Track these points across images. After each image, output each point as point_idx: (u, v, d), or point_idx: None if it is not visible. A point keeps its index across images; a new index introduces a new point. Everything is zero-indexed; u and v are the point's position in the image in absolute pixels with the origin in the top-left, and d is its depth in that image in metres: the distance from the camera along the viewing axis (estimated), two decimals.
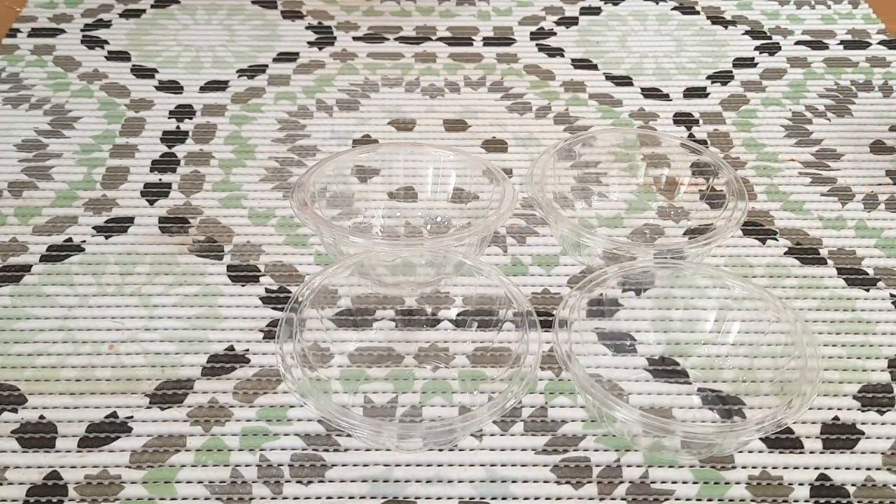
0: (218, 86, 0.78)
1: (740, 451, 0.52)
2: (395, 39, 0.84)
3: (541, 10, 0.88)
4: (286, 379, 0.49)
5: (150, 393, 0.54)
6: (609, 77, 0.80)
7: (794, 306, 0.59)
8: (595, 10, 0.88)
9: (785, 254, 0.64)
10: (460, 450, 0.52)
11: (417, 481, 0.50)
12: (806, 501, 0.50)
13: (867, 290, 0.61)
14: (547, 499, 0.50)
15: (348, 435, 0.52)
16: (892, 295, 0.61)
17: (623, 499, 0.50)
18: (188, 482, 0.50)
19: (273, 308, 0.59)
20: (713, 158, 0.65)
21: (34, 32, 0.84)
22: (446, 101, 0.77)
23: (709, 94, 0.78)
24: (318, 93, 0.77)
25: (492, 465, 0.51)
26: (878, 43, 0.84)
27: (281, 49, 0.82)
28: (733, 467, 0.51)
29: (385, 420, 0.52)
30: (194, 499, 0.49)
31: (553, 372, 0.56)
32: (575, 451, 0.52)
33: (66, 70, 0.79)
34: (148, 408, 0.53)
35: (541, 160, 0.63)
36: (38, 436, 0.52)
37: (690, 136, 0.73)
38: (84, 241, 0.64)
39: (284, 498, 0.50)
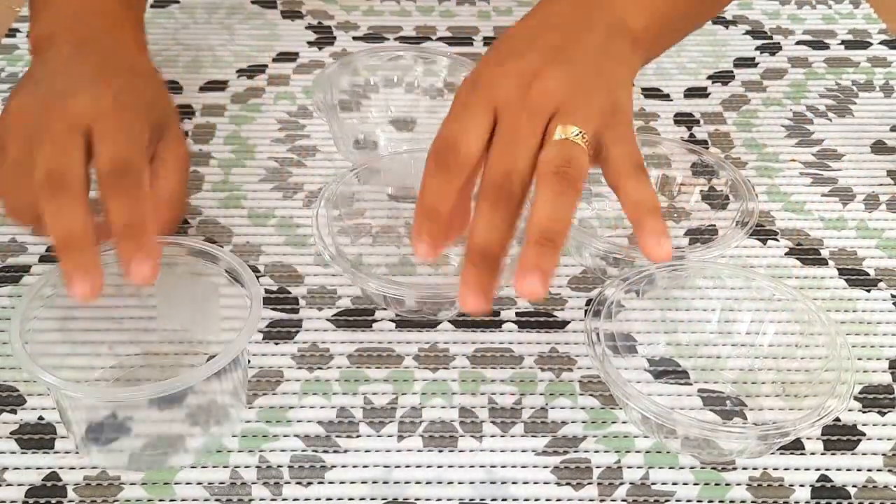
0: (217, 86, 0.78)
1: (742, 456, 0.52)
2: (395, 39, 0.84)
3: None
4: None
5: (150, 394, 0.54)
6: None
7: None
8: None
9: (786, 254, 0.63)
10: (460, 451, 0.52)
11: (417, 482, 0.50)
12: (807, 503, 0.50)
13: (868, 291, 0.61)
14: (547, 500, 0.50)
15: (352, 437, 0.52)
16: (893, 296, 0.61)
17: (623, 500, 0.50)
18: (187, 483, 0.50)
19: (273, 308, 0.59)
20: (715, 159, 0.65)
21: None
22: (446, 101, 0.76)
23: (709, 94, 0.78)
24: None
25: (492, 467, 0.51)
26: (880, 43, 0.84)
27: (280, 49, 0.82)
28: (734, 468, 0.51)
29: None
30: (194, 500, 0.49)
31: (553, 373, 0.56)
32: (575, 452, 0.52)
33: None
34: (147, 408, 0.53)
35: None
36: (37, 437, 0.52)
37: (691, 136, 0.73)
38: None
39: (284, 499, 0.49)
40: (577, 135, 0.48)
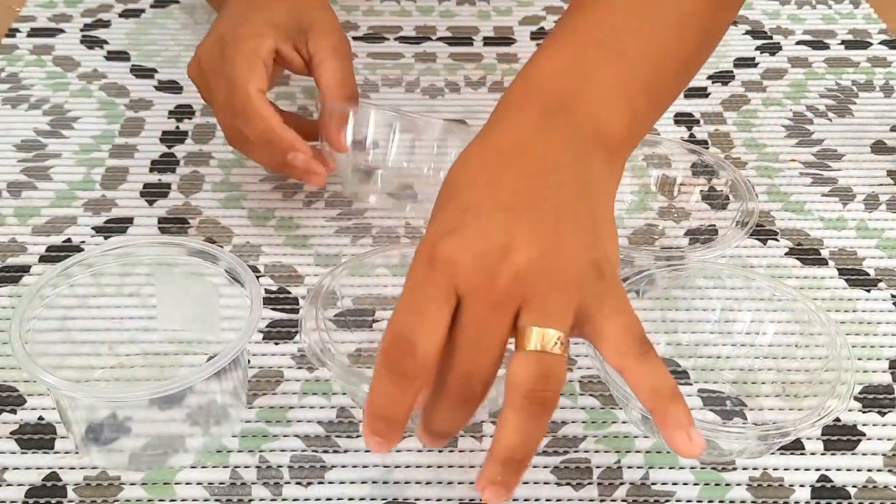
0: None
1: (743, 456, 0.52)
2: (395, 39, 0.84)
3: (541, 10, 0.88)
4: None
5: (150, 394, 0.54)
6: None
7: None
8: None
9: (786, 254, 0.63)
10: (460, 451, 0.52)
11: (417, 483, 0.50)
12: (807, 503, 0.50)
13: (868, 291, 0.61)
14: (547, 500, 0.50)
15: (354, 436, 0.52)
16: (892, 296, 0.61)
17: (623, 500, 0.50)
18: (187, 483, 0.50)
19: (272, 309, 0.59)
20: (715, 159, 0.65)
21: (33, 32, 0.84)
22: (446, 101, 0.77)
23: (709, 94, 0.78)
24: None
25: None
26: (879, 43, 0.84)
27: None
28: (734, 468, 0.51)
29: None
30: (193, 500, 0.49)
31: None
32: (575, 452, 0.52)
33: (65, 70, 0.79)
34: (147, 408, 0.53)
35: None
36: (37, 437, 0.52)
37: (691, 136, 0.73)
38: (83, 242, 0.63)
39: (284, 499, 0.49)
40: (555, 343, 0.40)
